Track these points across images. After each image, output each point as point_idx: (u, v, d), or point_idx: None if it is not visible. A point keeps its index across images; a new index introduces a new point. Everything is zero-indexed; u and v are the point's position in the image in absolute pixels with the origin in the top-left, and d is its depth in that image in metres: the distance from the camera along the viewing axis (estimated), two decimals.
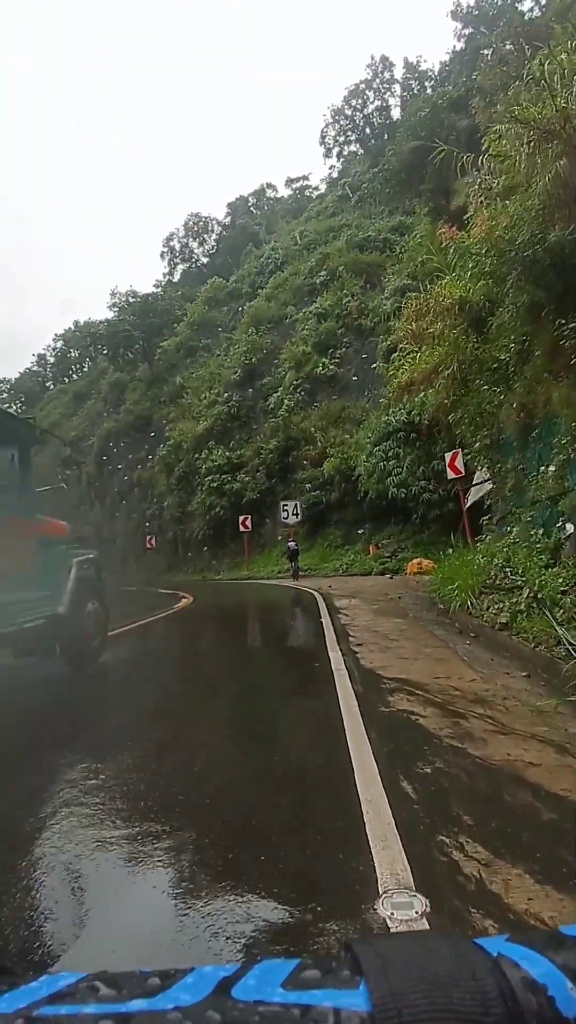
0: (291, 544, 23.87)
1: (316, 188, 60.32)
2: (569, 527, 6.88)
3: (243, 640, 9.36)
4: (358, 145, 49.07)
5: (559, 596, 5.99)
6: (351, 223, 42.20)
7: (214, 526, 31.91)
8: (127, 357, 43.14)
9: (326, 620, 8.64)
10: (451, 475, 14.37)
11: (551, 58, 7.37)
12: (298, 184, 61.81)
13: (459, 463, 14.01)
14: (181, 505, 34.45)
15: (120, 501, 40.81)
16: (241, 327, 38.44)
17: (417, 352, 12.49)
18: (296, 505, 26.44)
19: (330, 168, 64.93)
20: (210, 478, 31.83)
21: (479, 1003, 0.29)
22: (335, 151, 49.18)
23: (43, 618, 5.59)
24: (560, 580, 6.25)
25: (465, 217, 9.35)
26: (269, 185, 62.66)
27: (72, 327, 56.96)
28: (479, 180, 8.46)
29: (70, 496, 47.41)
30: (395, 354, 14.63)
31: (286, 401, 31.43)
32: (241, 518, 28.92)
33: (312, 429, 29.56)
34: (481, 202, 8.32)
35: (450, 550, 19.18)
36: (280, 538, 27.91)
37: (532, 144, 6.95)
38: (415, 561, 19.28)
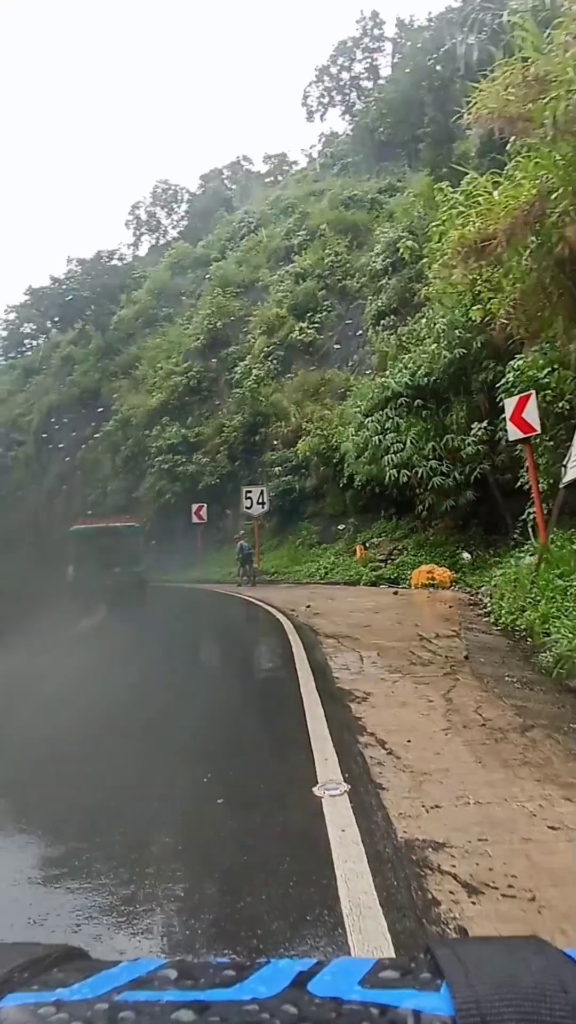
0: (243, 544, 17.85)
1: (295, 163, 54.22)
2: None
3: None
4: (343, 109, 43.06)
5: None
6: (334, 186, 36.11)
7: (164, 516, 25.48)
8: (78, 325, 36.18)
9: (335, 801, 2.44)
10: (514, 434, 8.38)
11: None
12: (276, 160, 55.57)
13: (530, 413, 8.03)
14: (127, 491, 27.87)
15: (60, 485, 33.91)
16: (207, 289, 32.03)
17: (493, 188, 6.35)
18: (263, 492, 20.28)
19: (311, 147, 58.97)
20: (161, 459, 25.40)
21: (570, 1015, 0.26)
22: (318, 114, 43.05)
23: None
24: None
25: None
26: (245, 158, 56.16)
27: (27, 297, 49.31)
28: None
29: (6, 482, 40.29)
30: (444, 212, 8.31)
31: (254, 371, 25.22)
32: (195, 507, 22.64)
33: (285, 402, 23.44)
34: None
35: (498, 556, 13.41)
36: (242, 532, 21.81)
37: None
38: (424, 569, 13.33)
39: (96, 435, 31.98)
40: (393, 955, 1.37)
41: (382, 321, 22.70)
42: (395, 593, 11.85)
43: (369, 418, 16.40)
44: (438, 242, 7.83)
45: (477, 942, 0.32)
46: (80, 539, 15.67)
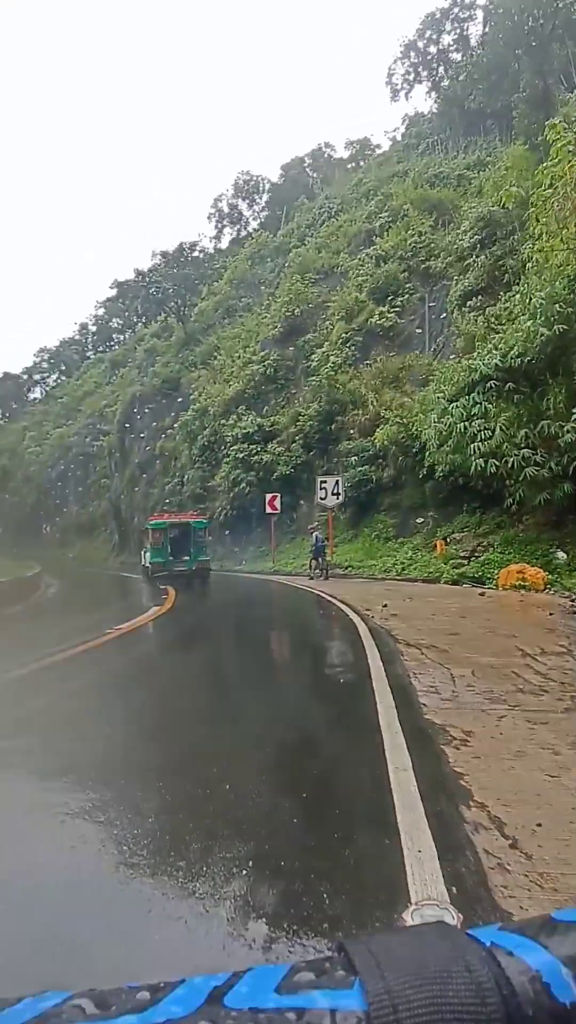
0: (317, 535, 17.01)
1: (378, 146, 52.26)
2: None
3: None
4: (429, 85, 40.74)
5: None
6: (419, 165, 34.26)
7: (239, 506, 25.12)
8: (160, 317, 36.53)
9: None
10: None
11: None
12: (358, 145, 53.81)
13: None
14: (203, 480, 27.74)
15: (140, 474, 34.45)
16: (285, 276, 31.29)
17: None
18: (338, 483, 19.34)
19: (394, 130, 56.79)
20: (236, 448, 24.97)
21: (475, 994, 0.27)
22: (404, 92, 40.99)
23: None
24: None
25: None
26: (327, 144, 54.74)
27: (113, 290, 50.63)
28: None
29: (92, 470, 41.59)
30: (559, 149, 7.08)
31: (332, 358, 24.22)
32: (268, 497, 22.00)
33: (363, 390, 22.33)
34: None
35: None
36: (316, 524, 21.05)
37: None
38: (513, 569, 11.98)
39: (175, 425, 32.18)
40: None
41: (468, 302, 21.11)
42: (481, 594, 10.61)
43: (454, 404, 15.05)
44: (549, 187, 6.56)
45: (387, 935, 0.32)
46: (155, 530, 18.24)
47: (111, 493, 36.61)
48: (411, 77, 40.44)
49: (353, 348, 24.43)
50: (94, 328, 60.10)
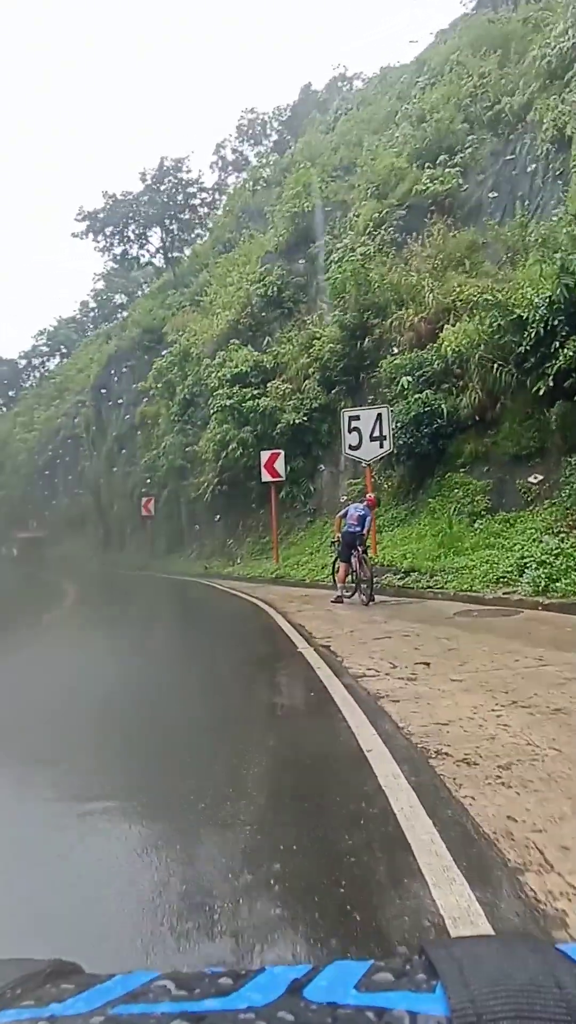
0: (352, 510, 7.92)
1: (402, 79, 42.09)
2: None
3: None
4: None
5: None
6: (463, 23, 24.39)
7: (229, 479, 16.19)
8: (141, 247, 27.51)
9: None
10: None
11: None
12: (380, 76, 43.72)
13: None
14: (184, 446, 18.88)
15: (119, 449, 25.80)
16: (292, 169, 22.08)
17: None
18: (380, 418, 10.24)
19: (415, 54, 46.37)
20: (222, 392, 15.96)
21: (565, 1011, 0.24)
22: None
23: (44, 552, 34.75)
24: None
25: None
26: (341, 77, 44.75)
27: (83, 223, 40.85)
28: None
29: (76, 454, 33.21)
30: None
31: (359, 248, 14.96)
32: (264, 457, 13.04)
33: (413, 278, 13.03)
34: None
35: None
36: (345, 499, 12.10)
37: None
38: None
39: (157, 386, 23.29)
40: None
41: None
42: None
43: None
44: None
45: (472, 941, 0.30)
46: (20, 540, 33.53)
47: (88, 478, 28.19)
48: None
49: (391, 230, 15.15)
50: (94, 304, 51.79)
